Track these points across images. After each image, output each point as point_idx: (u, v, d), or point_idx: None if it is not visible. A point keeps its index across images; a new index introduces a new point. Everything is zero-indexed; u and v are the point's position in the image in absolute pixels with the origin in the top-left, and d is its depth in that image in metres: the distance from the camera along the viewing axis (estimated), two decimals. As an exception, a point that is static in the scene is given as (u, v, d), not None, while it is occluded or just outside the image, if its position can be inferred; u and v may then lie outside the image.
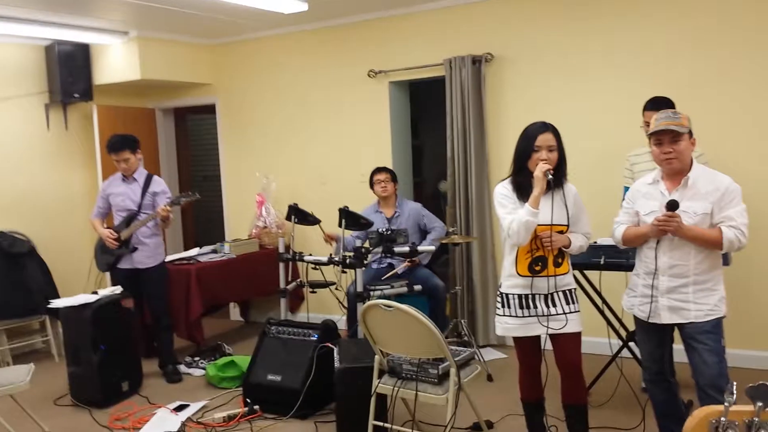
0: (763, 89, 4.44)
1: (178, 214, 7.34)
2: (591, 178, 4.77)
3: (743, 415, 0.96)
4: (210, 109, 6.87)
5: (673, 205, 2.91)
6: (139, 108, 6.88)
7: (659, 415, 3.36)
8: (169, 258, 5.65)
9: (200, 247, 5.87)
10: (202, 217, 8.42)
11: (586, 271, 4.12)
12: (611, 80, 4.89)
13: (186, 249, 6.82)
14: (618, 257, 3.71)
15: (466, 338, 4.95)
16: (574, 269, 3.85)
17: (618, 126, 4.82)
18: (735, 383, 1.01)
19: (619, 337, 4.13)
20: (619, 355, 4.15)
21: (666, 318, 3.04)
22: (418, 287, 4.73)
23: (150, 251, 4.91)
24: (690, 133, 2.97)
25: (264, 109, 6.46)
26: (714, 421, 0.96)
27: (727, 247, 2.92)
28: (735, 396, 0.99)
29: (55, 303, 4.57)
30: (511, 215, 3.13)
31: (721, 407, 0.95)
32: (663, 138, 2.98)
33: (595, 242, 3.85)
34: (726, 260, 3.61)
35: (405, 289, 4.66)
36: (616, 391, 4.09)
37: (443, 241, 4.93)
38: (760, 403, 0.94)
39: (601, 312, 4.09)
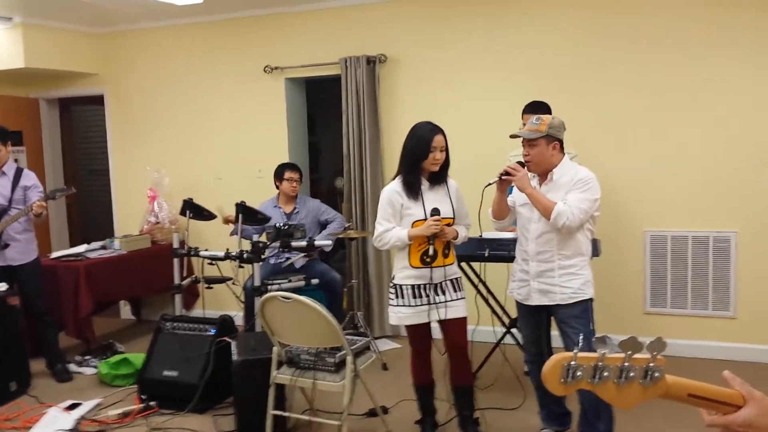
0: (632, 91, 4.87)
1: (63, 209, 7.08)
2: (476, 175, 5.04)
3: (590, 360, 1.16)
4: (98, 100, 6.65)
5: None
6: (22, 97, 6.57)
7: (539, 394, 3.66)
8: (55, 254, 5.47)
9: (88, 243, 5.69)
10: (89, 212, 8.13)
11: (472, 263, 4.37)
12: (496, 82, 5.20)
13: (72, 245, 6.59)
14: (501, 249, 3.97)
15: (361, 329, 5.12)
16: (461, 261, 4.12)
17: (502, 125, 5.12)
18: (582, 338, 1.21)
19: (503, 324, 4.43)
20: (503, 342, 4.45)
21: (536, 300, 3.34)
22: (315, 281, 4.84)
23: (22, 247, 4.73)
24: (549, 137, 3.24)
25: (156, 102, 6.35)
26: (566, 365, 1.16)
27: (554, 218, 3.15)
28: (580, 346, 1.20)
29: (-65, 302, 4.34)
30: (388, 226, 3.44)
31: (572, 354, 1.15)
32: (523, 142, 3.28)
33: (481, 236, 4.11)
34: (596, 251, 3.96)
35: (302, 282, 4.77)
36: (501, 374, 4.39)
37: (340, 236, 5.07)
38: (603, 351, 1.15)
39: (486, 301, 4.37)
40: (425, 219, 3.37)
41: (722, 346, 4.82)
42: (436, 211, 3.35)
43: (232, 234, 4.98)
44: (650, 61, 4.80)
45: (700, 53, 4.69)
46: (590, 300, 3.34)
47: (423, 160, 3.39)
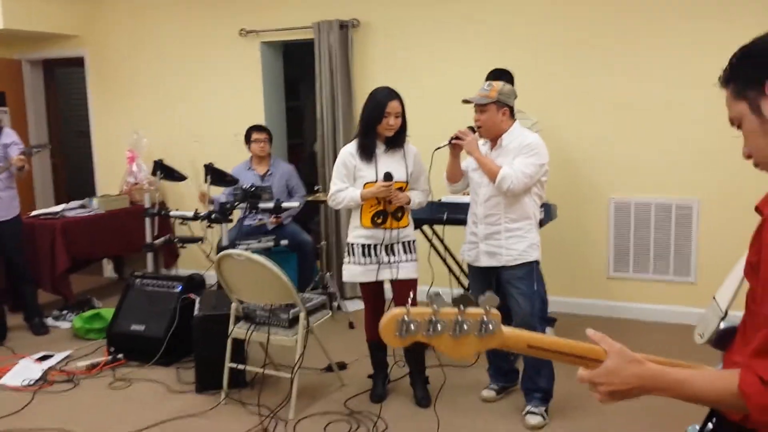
0: (598, 60, 4.91)
1: (48, 168, 7.18)
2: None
3: (424, 315, 1.21)
4: (81, 62, 6.71)
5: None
6: (4, 59, 6.62)
7: (488, 352, 3.78)
8: (34, 213, 5.59)
9: (67, 203, 5.81)
10: (77, 172, 8.22)
11: (435, 226, 4.47)
12: (469, 49, 5.22)
13: (57, 204, 6.69)
14: (458, 213, 4.06)
15: (330, 290, 5.24)
16: (422, 224, 4.23)
17: (474, 93, 5.17)
18: (436, 291, 1.27)
19: (461, 284, 4.54)
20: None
21: (485, 261, 3.43)
22: (284, 242, 4.94)
23: (5, 204, 4.83)
24: (499, 102, 3.31)
25: (135, 65, 6.40)
26: (400, 319, 1.21)
27: (498, 181, 3.25)
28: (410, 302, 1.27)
29: None
30: (342, 186, 3.52)
31: (405, 309, 1.22)
32: (475, 107, 3.35)
33: (440, 200, 4.21)
34: (549, 215, 4.05)
35: (272, 243, 4.87)
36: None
37: (309, 198, 5.18)
38: (435, 306, 1.22)
39: (444, 261, 4.48)
40: (376, 181, 3.46)
41: (682, 311, 4.90)
42: (388, 176, 3.44)
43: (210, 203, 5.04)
44: (616, 31, 4.82)
45: (664, 23, 4.70)
46: (535, 262, 3.42)
47: (377, 125, 3.47)
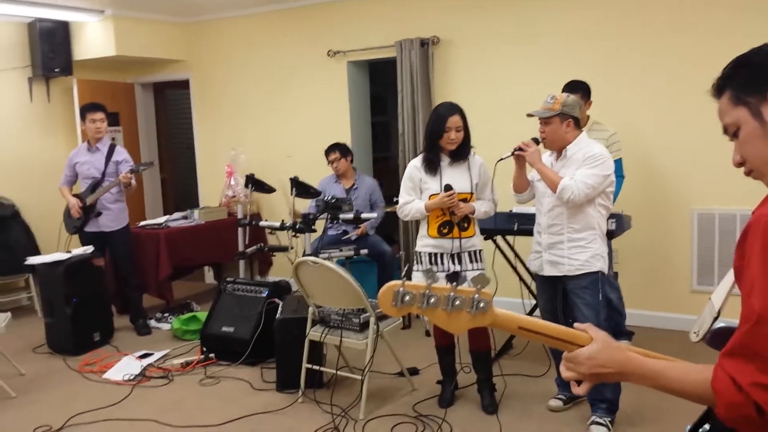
0: (679, 66, 4.83)
1: (157, 182, 7.78)
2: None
3: (418, 288, 1.30)
4: (187, 85, 7.25)
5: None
6: (119, 82, 7.27)
7: (556, 362, 3.83)
8: (141, 223, 6.10)
9: (170, 214, 6.30)
10: (183, 186, 8.82)
11: (507, 237, 4.56)
12: (547, 62, 5.27)
13: (166, 214, 7.25)
14: (528, 224, 4.12)
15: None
16: (492, 235, 4.33)
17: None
18: (429, 268, 1.38)
19: (532, 294, 4.58)
20: (535, 313, 4.61)
21: (547, 271, 3.49)
22: (364, 251, 5.16)
23: (114, 215, 5.33)
24: (563, 115, 3.37)
25: (234, 85, 6.86)
26: (396, 290, 1.30)
27: (559, 191, 3.31)
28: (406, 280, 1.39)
29: (31, 260, 5.02)
30: (409, 198, 3.71)
31: (400, 281, 1.34)
32: (540, 120, 3.42)
33: (510, 211, 4.29)
34: (622, 227, 4.04)
35: (352, 253, 5.11)
36: (530, 344, 4.56)
37: (389, 210, 5.38)
38: (429, 281, 1.36)
39: (515, 270, 4.55)
40: (440, 193, 3.61)
41: (771, 328, 4.73)
42: (448, 187, 3.57)
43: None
44: (693, 36, 4.73)
45: (747, 25, 4.58)
46: (599, 273, 3.43)
47: (439, 139, 3.62)
